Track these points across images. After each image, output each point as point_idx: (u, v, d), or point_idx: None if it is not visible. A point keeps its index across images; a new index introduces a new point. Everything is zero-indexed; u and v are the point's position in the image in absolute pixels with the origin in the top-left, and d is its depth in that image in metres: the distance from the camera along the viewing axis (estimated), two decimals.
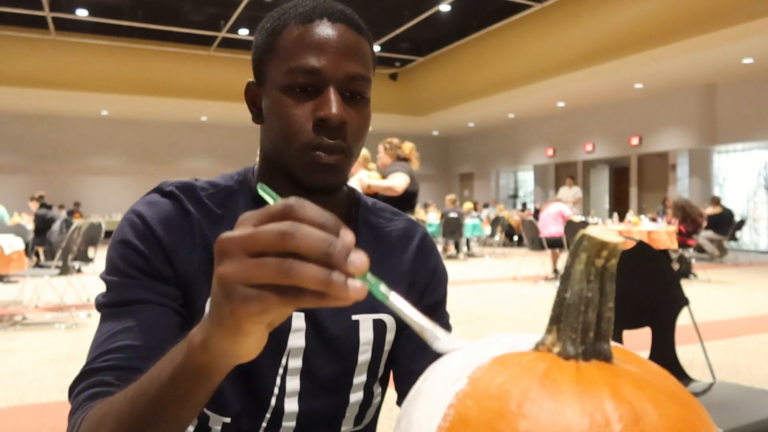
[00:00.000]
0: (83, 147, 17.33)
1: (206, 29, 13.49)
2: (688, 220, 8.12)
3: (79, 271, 7.65)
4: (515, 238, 15.08)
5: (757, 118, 12.09)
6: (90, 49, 13.92)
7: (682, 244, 8.07)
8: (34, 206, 8.90)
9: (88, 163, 17.51)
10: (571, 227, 7.74)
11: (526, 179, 19.94)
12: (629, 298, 1.86)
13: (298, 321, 0.76)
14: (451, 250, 12.36)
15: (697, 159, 13.66)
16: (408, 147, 4.41)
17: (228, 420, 0.75)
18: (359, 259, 0.38)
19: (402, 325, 0.84)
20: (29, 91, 13.67)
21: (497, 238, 14.74)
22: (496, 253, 13.37)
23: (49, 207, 8.82)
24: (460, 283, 8.07)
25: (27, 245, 6.92)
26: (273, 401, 0.76)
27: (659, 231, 7.80)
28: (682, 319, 1.96)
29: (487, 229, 14.04)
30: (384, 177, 4.19)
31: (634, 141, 14.41)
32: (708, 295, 6.89)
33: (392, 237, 0.86)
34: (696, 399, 0.37)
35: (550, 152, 17.10)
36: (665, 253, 7.66)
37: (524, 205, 18.20)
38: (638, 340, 1.84)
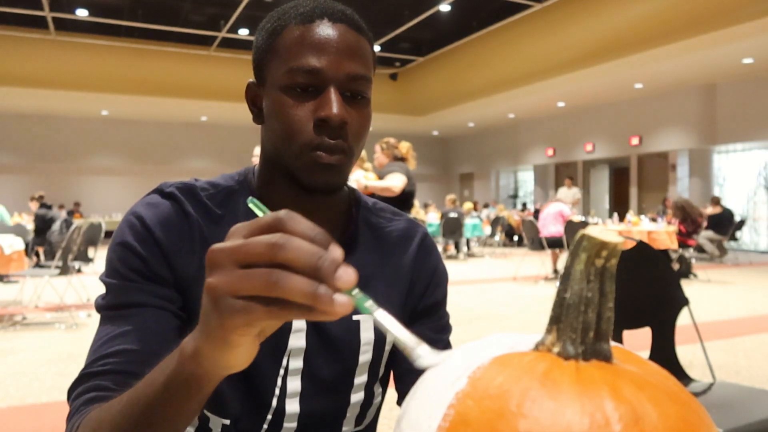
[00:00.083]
0: (83, 147, 17.34)
1: (206, 29, 13.49)
2: (688, 220, 8.12)
3: (79, 271, 7.65)
4: (515, 238, 15.08)
5: (757, 118, 12.09)
6: (90, 49, 13.92)
7: (682, 244, 8.07)
8: (34, 206, 8.90)
9: (88, 163, 17.51)
10: (571, 227, 7.74)
11: (526, 179, 19.94)
12: (629, 298, 1.86)
13: (299, 322, 0.76)
14: (451, 250, 12.36)
15: (697, 159, 13.67)
16: (405, 147, 4.41)
17: (229, 421, 0.75)
18: (347, 274, 0.38)
19: (404, 325, 0.84)
20: (29, 91, 13.67)
21: (497, 238, 14.74)
22: (496, 253, 13.37)
23: (49, 207, 8.82)
24: (460, 283, 8.07)
25: (27, 245, 6.92)
26: (274, 402, 0.76)
27: (659, 231, 7.80)
28: (682, 319, 1.96)
29: (487, 229, 14.04)
30: (381, 177, 4.18)
31: (634, 141, 14.41)
32: (708, 295, 6.89)
33: (393, 237, 0.86)
34: (696, 399, 0.37)
35: (550, 152, 17.10)
36: (665, 253, 7.66)
37: (524, 205, 18.20)
38: (638, 340, 1.84)
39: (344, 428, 0.81)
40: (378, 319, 0.41)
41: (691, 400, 0.36)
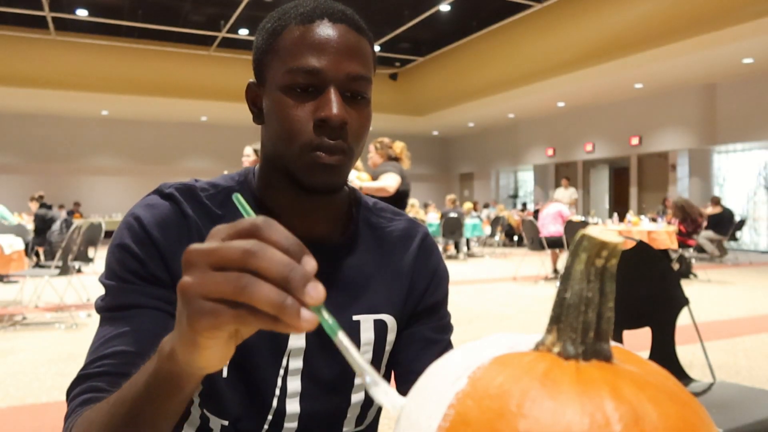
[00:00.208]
0: (83, 147, 17.34)
1: (206, 29, 13.49)
2: (688, 220, 8.12)
3: (79, 271, 7.65)
4: (515, 238, 15.08)
5: (757, 118, 12.09)
6: (90, 49, 13.92)
7: (682, 244, 8.07)
8: (34, 206, 8.90)
9: (88, 163, 17.51)
10: (571, 227, 7.74)
11: (526, 179, 19.94)
12: (629, 298, 1.86)
13: None
14: (451, 250, 12.36)
15: (697, 159, 13.67)
16: (399, 146, 4.40)
17: (229, 421, 0.75)
18: (316, 290, 0.38)
19: (402, 326, 0.84)
20: (29, 91, 13.67)
21: (497, 238, 14.74)
22: (496, 253, 13.37)
23: (49, 207, 8.82)
24: (460, 283, 8.07)
25: (27, 245, 6.92)
26: (275, 402, 0.76)
27: (659, 231, 7.80)
28: (682, 319, 1.96)
29: (487, 229, 14.04)
30: (375, 177, 4.18)
31: (634, 141, 14.41)
32: (708, 295, 6.89)
33: (393, 237, 0.86)
34: (696, 399, 0.37)
35: (550, 152, 17.10)
36: (665, 253, 7.66)
37: (524, 205, 18.20)
38: (638, 340, 1.84)
39: (345, 428, 0.81)
40: (340, 342, 0.40)
41: (691, 400, 0.36)
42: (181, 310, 0.41)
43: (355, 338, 0.79)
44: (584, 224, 7.86)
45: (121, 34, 13.76)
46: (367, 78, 0.73)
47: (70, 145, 17.18)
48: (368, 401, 0.82)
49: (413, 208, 11.54)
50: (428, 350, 0.83)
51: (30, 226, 8.05)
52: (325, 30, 0.71)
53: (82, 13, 12.41)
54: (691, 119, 13.14)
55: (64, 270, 5.35)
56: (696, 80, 12.49)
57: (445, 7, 12.25)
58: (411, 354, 0.83)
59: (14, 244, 5.30)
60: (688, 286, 6.03)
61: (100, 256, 6.00)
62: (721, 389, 1.91)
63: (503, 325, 5.28)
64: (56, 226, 7.72)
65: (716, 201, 10.62)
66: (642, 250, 1.95)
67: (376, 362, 0.82)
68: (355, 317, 0.79)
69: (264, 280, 0.37)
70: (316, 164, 0.72)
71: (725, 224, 10.20)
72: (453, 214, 11.31)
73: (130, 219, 0.73)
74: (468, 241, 12.85)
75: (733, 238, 10.95)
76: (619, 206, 15.40)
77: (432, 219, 11.96)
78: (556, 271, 8.60)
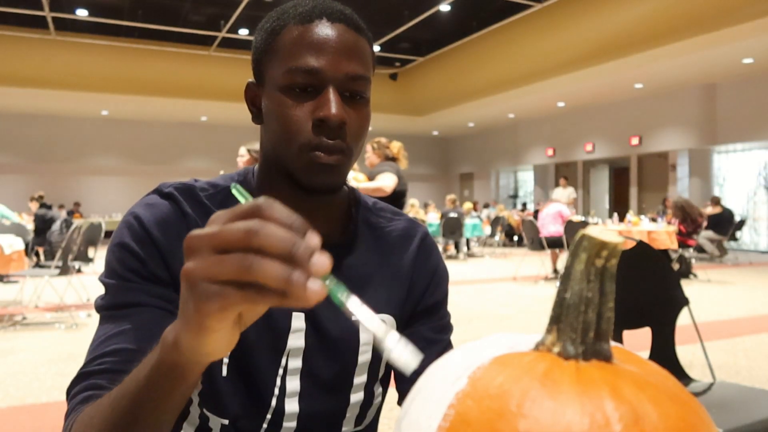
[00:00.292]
0: (83, 147, 17.34)
1: (206, 29, 13.49)
2: (688, 220, 8.12)
3: (79, 271, 7.65)
4: (515, 238, 15.08)
5: (757, 118, 12.09)
6: (90, 49, 13.92)
7: (682, 244, 8.07)
8: (34, 206, 8.90)
9: (88, 163, 17.51)
10: (571, 227, 7.74)
11: (526, 179, 19.94)
12: (629, 298, 1.86)
13: (298, 321, 0.76)
14: (451, 250, 12.36)
15: (697, 159, 13.66)
16: (396, 146, 4.39)
17: (228, 421, 0.75)
18: (321, 260, 0.38)
19: (402, 326, 0.84)
20: (29, 91, 13.67)
21: (497, 238, 14.74)
22: (496, 253, 13.37)
23: (49, 207, 8.81)
24: (460, 283, 8.07)
25: (27, 245, 6.92)
26: (273, 402, 0.76)
27: (659, 231, 7.80)
28: (682, 319, 1.96)
29: (487, 229, 14.04)
30: (371, 177, 4.17)
31: (634, 141, 14.41)
32: (708, 295, 6.89)
33: (393, 237, 0.86)
34: (696, 399, 0.37)
35: (550, 152, 17.10)
36: (665, 253, 7.66)
37: (524, 205, 18.20)
38: (638, 340, 1.84)
39: (344, 428, 0.81)
40: (350, 308, 0.40)
41: (691, 400, 0.36)
42: (187, 296, 0.41)
43: (354, 338, 0.79)
44: (584, 224, 7.86)
45: (121, 34, 13.76)
46: (365, 78, 0.73)
47: (70, 145, 17.18)
48: (367, 401, 0.82)
49: (413, 208, 11.54)
50: (428, 350, 0.83)
51: (30, 226, 8.05)
52: (324, 30, 0.71)
53: (82, 13, 12.41)
54: (691, 119, 13.14)
55: (64, 270, 5.35)
56: (696, 80, 12.49)
57: (445, 7, 12.25)
58: None
59: (14, 244, 5.30)
60: (688, 286, 6.04)
61: (100, 256, 6.00)
62: (721, 389, 1.91)
63: (503, 325, 5.28)
64: (56, 226, 7.72)
65: (716, 201, 10.62)
66: (642, 250, 1.94)
67: (375, 362, 0.82)
68: (354, 317, 0.79)
69: (269, 257, 0.38)
70: (315, 164, 0.72)
71: (725, 224, 10.20)
72: (453, 214, 11.31)
73: (130, 218, 0.73)
74: (468, 241, 12.85)
75: (733, 238, 10.95)
76: (619, 206, 15.40)
77: (432, 219, 11.96)
78: (556, 271, 8.60)
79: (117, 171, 17.77)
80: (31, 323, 5.32)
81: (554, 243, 8.13)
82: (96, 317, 0.72)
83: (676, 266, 8.06)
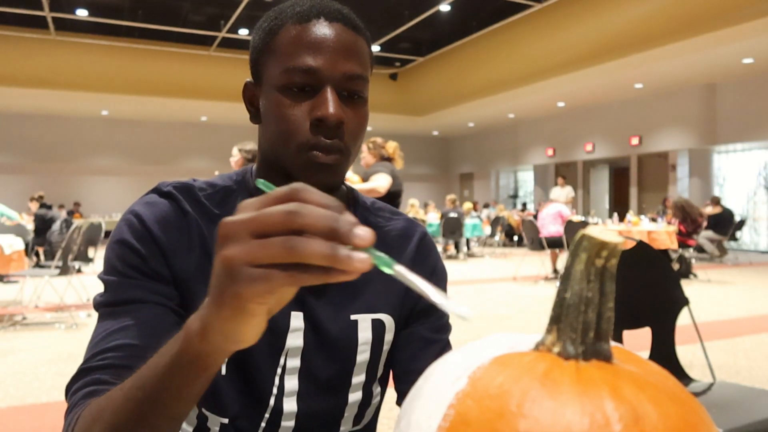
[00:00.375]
0: (83, 147, 17.34)
1: (206, 29, 13.49)
2: (688, 220, 8.12)
3: (79, 271, 7.65)
4: (515, 238, 15.08)
5: (757, 118, 12.09)
6: (90, 49, 13.92)
7: (682, 244, 8.07)
8: (34, 206, 8.91)
9: (88, 163, 17.52)
10: (571, 227, 7.74)
11: (526, 179, 19.95)
12: (629, 298, 1.86)
13: (297, 321, 0.76)
14: (451, 250, 12.36)
15: (697, 159, 13.67)
16: (392, 147, 4.37)
17: (227, 420, 0.75)
18: (365, 231, 0.38)
19: (401, 325, 0.84)
20: (29, 91, 13.67)
21: (497, 238, 14.75)
22: (496, 253, 13.37)
23: (49, 207, 8.82)
24: (460, 283, 8.07)
25: (27, 245, 6.92)
26: (272, 401, 0.76)
27: (659, 231, 7.80)
28: (682, 319, 1.96)
29: (487, 229, 14.04)
30: (366, 177, 4.15)
31: (634, 141, 14.41)
32: (708, 295, 6.89)
33: (391, 236, 0.86)
34: (696, 399, 0.37)
35: (550, 152, 17.10)
36: (665, 253, 7.66)
37: (524, 205, 18.21)
38: (638, 340, 1.84)
39: (342, 428, 0.81)
40: (399, 273, 0.40)
41: (691, 400, 0.36)
42: (226, 282, 0.40)
43: (353, 338, 0.79)
44: (584, 224, 7.86)
45: (121, 34, 13.76)
46: (363, 77, 0.73)
47: (70, 145, 17.18)
48: (366, 401, 0.82)
49: (413, 208, 11.55)
50: (426, 350, 0.83)
51: (30, 226, 8.05)
52: (322, 29, 0.71)
53: (82, 13, 12.41)
54: (691, 119, 13.14)
55: (64, 270, 5.35)
56: (696, 80, 12.49)
57: (445, 7, 12.26)
58: (409, 354, 0.83)
59: (14, 244, 5.30)
60: (688, 286, 6.04)
61: (100, 256, 6.00)
62: (721, 389, 1.91)
63: (503, 325, 5.28)
64: (56, 226, 7.72)
65: (716, 201, 10.62)
66: (642, 250, 1.94)
67: (373, 362, 0.82)
68: (353, 317, 0.79)
69: (311, 237, 0.38)
70: (313, 164, 0.72)
71: (725, 224, 10.20)
72: (453, 214, 11.31)
73: (129, 216, 0.73)
74: (468, 241, 12.85)
75: (733, 238, 10.95)
76: (619, 206, 15.41)
77: (432, 219, 11.96)
78: (556, 271, 8.60)
79: (117, 171, 17.77)
80: (31, 323, 5.32)
81: (554, 243, 8.13)
82: (96, 317, 0.71)
83: (676, 266, 8.06)
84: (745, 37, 9.43)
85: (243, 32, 13.54)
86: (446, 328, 0.88)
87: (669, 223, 8.56)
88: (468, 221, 12.04)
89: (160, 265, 0.71)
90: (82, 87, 13.89)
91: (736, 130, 12.52)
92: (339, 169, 0.73)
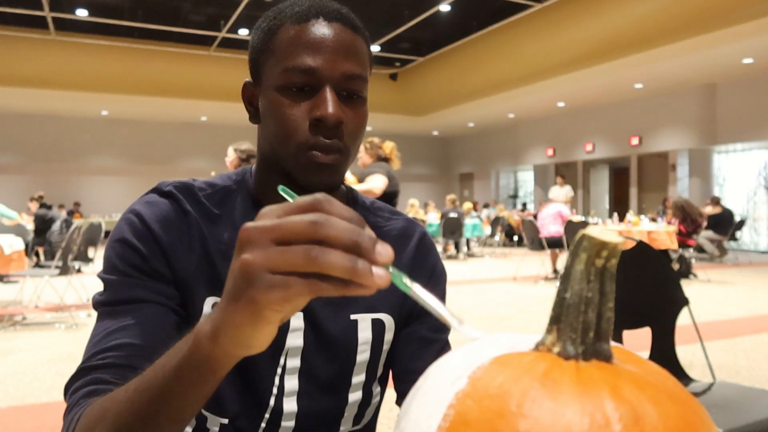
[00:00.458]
0: (83, 147, 17.34)
1: (206, 29, 13.49)
2: (688, 220, 8.12)
3: (79, 271, 7.65)
4: (515, 238, 15.09)
5: (757, 118, 12.09)
6: (90, 49, 13.92)
7: (682, 244, 8.07)
8: (34, 206, 8.91)
9: (88, 163, 17.52)
10: (571, 227, 7.74)
11: (526, 179, 19.95)
12: (629, 298, 1.86)
13: (297, 320, 0.76)
14: (451, 250, 12.36)
15: (697, 159, 13.67)
16: (389, 147, 4.35)
17: (227, 420, 0.75)
18: (386, 249, 0.39)
19: (401, 325, 0.84)
20: (29, 91, 13.67)
21: (497, 238, 14.75)
22: (496, 253, 13.37)
23: (49, 207, 8.82)
24: (460, 283, 8.07)
25: (27, 245, 6.92)
26: (272, 401, 0.76)
27: (659, 231, 7.80)
28: (682, 319, 1.96)
29: (487, 229, 14.04)
30: (361, 178, 4.13)
31: (634, 141, 14.41)
32: (708, 295, 6.89)
33: (391, 236, 0.86)
34: (696, 399, 0.37)
35: (550, 152, 17.10)
36: (665, 253, 7.66)
37: (524, 205, 18.21)
38: (638, 340, 1.84)
39: (342, 427, 0.81)
40: (416, 293, 0.41)
41: (691, 400, 0.36)
42: (242, 287, 0.40)
43: (353, 338, 0.79)
44: (584, 224, 7.86)
45: (121, 34, 13.76)
46: (362, 77, 0.73)
47: (70, 145, 17.18)
48: (366, 401, 0.82)
49: (413, 208, 11.55)
50: (426, 350, 0.83)
51: (30, 226, 8.05)
52: (320, 29, 0.71)
53: (82, 13, 12.41)
54: (691, 119, 13.14)
55: (64, 270, 5.35)
56: (696, 80, 12.49)
57: (445, 7, 12.26)
58: (409, 353, 0.83)
59: (14, 244, 5.30)
60: (688, 286, 6.05)
61: (99, 255, 5.99)
62: (721, 389, 1.91)
63: (503, 325, 5.28)
64: (56, 226, 7.72)
65: (716, 201, 10.62)
66: (642, 250, 1.95)
67: (373, 362, 0.82)
68: (352, 316, 0.79)
69: (332, 248, 0.38)
70: (312, 163, 0.72)
71: (725, 224, 10.21)
72: (453, 214, 11.31)
73: (130, 215, 0.73)
74: (468, 241, 12.85)
75: (733, 238, 10.95)
76: (619, 206, 15.41)
77: (432, 219, 11.96)
78: (556, 271, 8.60)
79: (117, 171, 17.77)
80: (31, 323, 5.32)
81: (554, 243, 8.13)
82: (96, 316, 0.71)
83: (676, 266, 8.06)
84: (745, 37, 9.43)
85: (243, 32, 13.54)
86: (445, 328, 0.88)
87: (669, 223, 8.56)
88: (468, 221, 12.04)
89: (160, 265, 0.71)
90: (82, 87, 13.89)
91: (736, 130, 12.52)
92: (338, 168, 0.73)
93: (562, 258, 8.53)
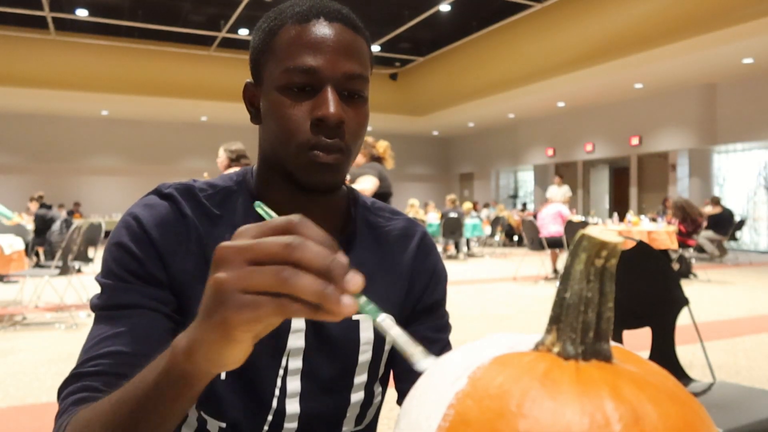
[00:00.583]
0: (83, 147, 17.34)
1: (206, 29, 13.49)
2: (688, 220, 8.12)
3: (79, 271, 7.65)
4: (515, 238, 15.08)
5: (757, 118, 12.09)
6: (90, 49, 13.92)
7: (682, 244, 8.07)
8: (33, 206, 8.90)
9: (88, 163, 17.52)
10: (571, 227, 7.74)
11: (526, 179, 19.95)
12: (629, 298, 1.86)
13: (298, 321, 0.76)
14: (451, 250, 12.36)
15: (697, 159, 13.67)
16: (382, 146, 4.31)
17: (227, 424, 0.75)
18: (356, 278, 0.39)
19: (401, 325, 0.84)
20: (29, 91, 13.67)
21: (497, 238, 14.74)
22: (496, 253, 13.37)
23: (49, 207, 8.82)
24: (460, 283, 8.07)
25: (27, 245, 6.92)
26: (274, 402, 0.76)
27: (659, 231, 7.80)
28: (682, 319, 1.96)
29: (487, 229, 14.04)
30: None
31: (634, 141, 14.41)
32: (708, 295, 6.89)
33: (392, 236, 0.86)
34: (696, 399, 0.37)
35: (550, 152, 17.10)
36: (665, 253, 7.66)
37: (524, 205, 18.21)
38: (638, 340, 1.84)
39: (344, 428, 0.81)
40: (381, 324, 0.42)
41: (691, 400, 0.36)
42: (214, 306, 0.41)
43: (355, 338, 0.79)
44: (584, 224, 7.86)
45: (121, 34, 13.76)
46: (363, 77, 0.73)
47: (70, 145, 17.18)
48: (368, 401, 0.82)
49: (413, 208, 11.55)
50: (427, 349, 0.83)
51: (30, 226, 8.05)
52: (321, 29, 0.71)
53: (82, 13, 12.41)
54: (691, 119, 13.14)
55: (64, 270, 5.35)
56: (696, 80, 12.49)
57: (445, 7, 12.26)
58: None
59: (14, 244, 5.30)
60: (688, 286, 6.04)
61: (99, 256, 5.98)
62: (721, 389, 1.91)
63: (503, 325, 5.28)
64: (56, 226, 7.72)
65: (716, 201, 10.62)
66: (642, 250, 1.95)
67: (375, 362, 0.82)
68: (354, 317, 0.79)
69: (304, 271, 0.39)
70: (314, 163, 0.72)
71: (725, 224, 10.20)
72: (453, 214, 11.31)
73: (128, 218, 0.73)
74: (468, 241, 12.85)
75: (733, 238, 10.95)
76: (619, 206, 15.41)
77: (432, 219, 11.96)
78: (556, 271, 8.59)
79: (117, 171, 17.77)
80: (31, 323, 5.32)
81: (554, 243, 8.13)
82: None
83: (676, 266, 8.06)
84: (745, 37, 9.43)
85: (243, 32, 13.54)
86: (447, 327, 0.88)
87: (669, 223, 8.56)
88: (468, 221, 12.04)
89: (156, 269, 0.71)
90: (82, 87, 13.89)
91: (736, 130, 12.52)
92: (340, 168, 0.73)
93: (562, 258, 8.53)
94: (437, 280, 0.88)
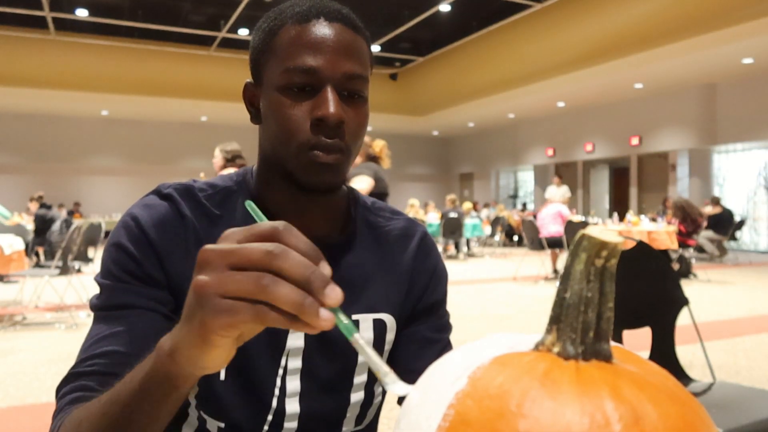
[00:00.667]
0: (83, 147, 17.34)
1: (206, 29, 13.49)
2: (688, 220, 8.12)
3: (79, 271, 7.64)
4: (515, 238, 15.09)
5: (757, 118, 12.09)
6: (90, 49, 13.92)
7: (682, 244, 8.07)
8: (33, 206, 8.90)
9: (88, 163, 17.52)
10: (571, 227, 7.74)
11: (526, 179, 19.95)
12: (629, 298, 1.86)
13: None
14: (451, 250, 12.35)
15: (697, 159, 13.67)
16: (379, 146, 4.28)
17: (226, 424, 0.75)
18: (335, 292, 0.40)
19: (403, 325, 0.84)
20: (29, 91, 13.67)
21: (497, 238, 14.74)
22: (496, 253, 13.37)
23: (49, 207, 8.81)
24: (460, 283, 8.07)
25: (27, 245, 6.92)
26: (274, 402, 0.76)
27: (659, 231, 7.80)
28: (682, 319, 1.96)
29: (487, 229, 14.04)
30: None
31: (634, 141, 14.41)
32: (708, 295, 6.89)
33: (392, 236, 0.86)
34: (696, 399, 0.37)
35: (550, 152, 17.10)
36: (665, 253, 7.66)
37: (524, 205, 18.21)
38: (638, 340, 1.84)
39: (344, 428, 0.81)
40: (356, 341, 0.42)
41: (691, 400, 0.36)
42: (194, 309, 0.41)
43: None
44: (584, 224, 7.86)
45: (121, 34, 13.76)
46: (363, 77, 0.73)
47: (70, 145, 17.18)
48: (368, 401, 0.82)
49: (413, 208, 11.54)
50: (427, 350, 0.83)
51: (30, 226, 8.05)
52: (321, 29, 0.71)
53: (82, 13, 12.41)
54: (691, 119, 13.14)
55: (64, 270, 5.35)
56: (696, 80, 12.49)
57: (445, 7, 12.26)
58: (410, 353, 0.83)
59: (14, 244, 5.30)
60: (688, 286, 6.04)
61: (99, 256, 5.98)
62: (721, 389, 1.91)
63: (503, 325, 5.28)
64: (56, 226, 7.72)
65: (716, 201, 10.62)
66: (642, 250, 1.95)
67: None
68: (354, 316, 0.79)
69: (284, 280, 0.38)
70: (314, 163, 0.72)
71: (725, 224, 10.20)
72: (453, 214, 11.31)
73: (127, 219, 0.73)
74: (468, 241, 12.85)
75: (733, 238, 10.95)
76: (619, 206, 15.41)
77: (432, 219, 11.95)
78: (556, 271, 8.59)
79: (117, 171, 17.77)
80: (31, 323, 5.32)
81: (554, 243, 8.13)
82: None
83: (676, 266, 8.06)
84: (745, 37, 9.43)
85: (243, 32, 13.54)
86: (447, 327, 0.88)
87: (669, 223, 8.56)
88: (468, 221, 12.04)
89: (154, 269, 0.71)
90: (82, 87, 13.89)
91: (736, 130, 12.52)
92: (340, 168, 0.73)
93: (562, 258, 8.53)
94: (437, 280, 0.88)
